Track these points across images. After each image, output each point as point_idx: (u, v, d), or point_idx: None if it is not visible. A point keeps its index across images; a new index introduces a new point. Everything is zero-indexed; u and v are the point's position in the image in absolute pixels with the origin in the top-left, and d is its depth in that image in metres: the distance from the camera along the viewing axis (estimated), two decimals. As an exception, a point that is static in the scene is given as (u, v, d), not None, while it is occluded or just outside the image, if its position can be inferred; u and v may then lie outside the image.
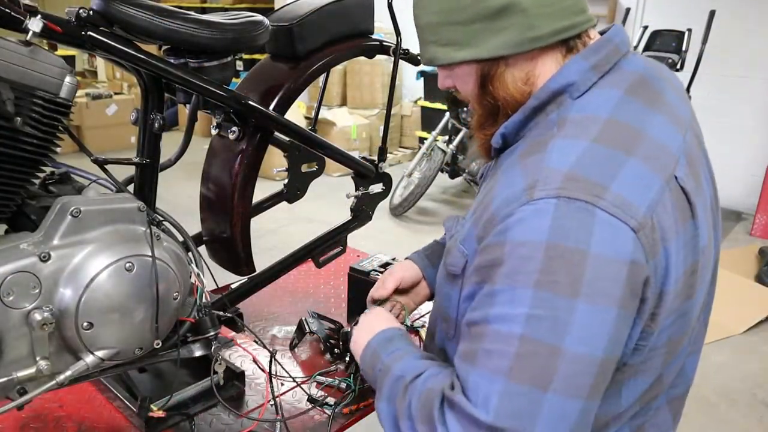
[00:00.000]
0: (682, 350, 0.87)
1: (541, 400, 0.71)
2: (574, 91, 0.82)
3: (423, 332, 1.45)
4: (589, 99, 0.82)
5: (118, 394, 1.29)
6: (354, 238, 1.70)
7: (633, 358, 0.80)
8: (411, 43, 1.15)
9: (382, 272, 1.51)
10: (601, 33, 0.88)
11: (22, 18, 0.90)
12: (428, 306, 1.28)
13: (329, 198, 4.04)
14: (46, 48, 0.96)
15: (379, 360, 0.95)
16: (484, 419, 0.71)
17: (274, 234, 4.16)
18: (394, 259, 1.61)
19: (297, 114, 5.64)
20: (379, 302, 1.19)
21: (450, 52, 0.86)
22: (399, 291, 1.20)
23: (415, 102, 6.12)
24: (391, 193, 2.07)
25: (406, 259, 1.26)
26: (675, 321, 0.81)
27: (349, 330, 1.15)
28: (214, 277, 1.22)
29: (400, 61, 1.55)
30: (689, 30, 4.36)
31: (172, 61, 1.17)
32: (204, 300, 1.15)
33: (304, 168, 1.57)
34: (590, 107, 0.81)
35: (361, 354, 1.01)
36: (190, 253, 1.16)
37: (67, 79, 0.95)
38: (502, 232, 0.76)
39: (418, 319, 1.60)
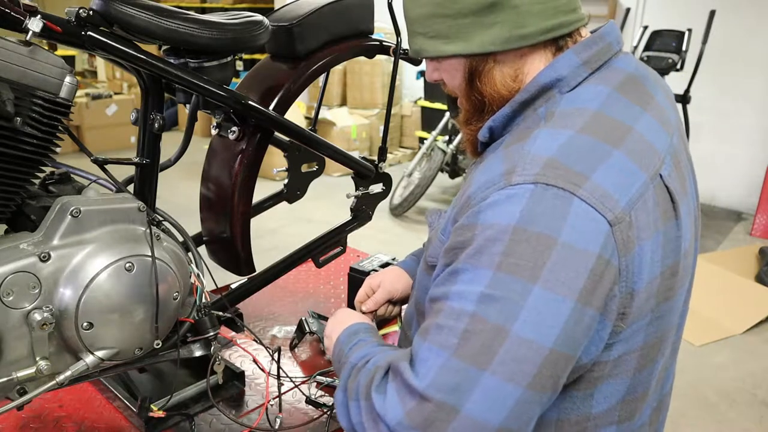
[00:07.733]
0: (659, 358, 0.86)
1: (477, 379, 0.69)
2: (563, 86, 0.82)
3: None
4: (579, 93, 0.81)
5: (118, 394, 1.29)
6: (354, 238, 1.70)
7: (603, 356, 0.78)
8: (411, 43, 1.15)
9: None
10: (593, 32, 0.88)
11: (22, 18, 0.90)
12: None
13: (329, 198, 4.05)
14: (46, 48, 0.96)
15: (343, 353, 0.95)
16: (417, 386, 0.71)
17: (274, 234, 4.16)
18: (394, 259, 1.61)
19: (297, 114, 5.63)
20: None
21: (438, 45, 0.86)
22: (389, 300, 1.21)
23: (415, 102, 6.11)
24: (391, 193, 2.07)
25: (396, 265, 1.26)
26: (651, 322, 0.80)
27: None
28: (214, 277, 1.22)
29: (400, 61, 1.55)
30: (689, 30, 4.36)
31: (172, 61, 1.17)
32: (204, 300, 1.15)
33: (304, 168, 1.58)
34: (579, 100, 0.81)
35: (332, 351, 1.01)
36: (190, 253, 1.16)
37: (67, 79, 0.95)
38: (474, 214, 0.76)
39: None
